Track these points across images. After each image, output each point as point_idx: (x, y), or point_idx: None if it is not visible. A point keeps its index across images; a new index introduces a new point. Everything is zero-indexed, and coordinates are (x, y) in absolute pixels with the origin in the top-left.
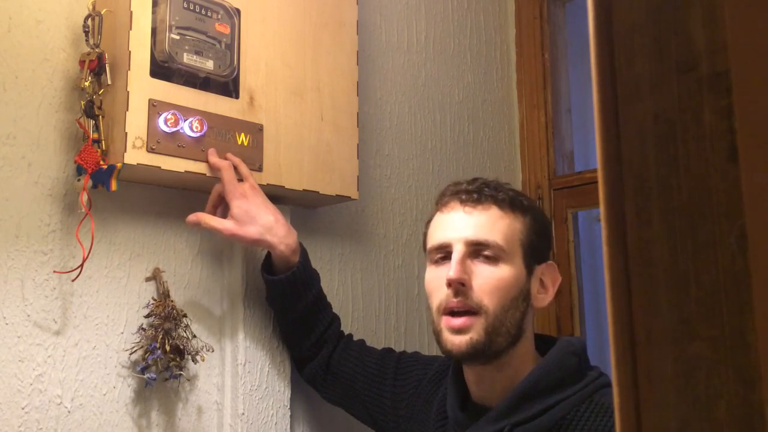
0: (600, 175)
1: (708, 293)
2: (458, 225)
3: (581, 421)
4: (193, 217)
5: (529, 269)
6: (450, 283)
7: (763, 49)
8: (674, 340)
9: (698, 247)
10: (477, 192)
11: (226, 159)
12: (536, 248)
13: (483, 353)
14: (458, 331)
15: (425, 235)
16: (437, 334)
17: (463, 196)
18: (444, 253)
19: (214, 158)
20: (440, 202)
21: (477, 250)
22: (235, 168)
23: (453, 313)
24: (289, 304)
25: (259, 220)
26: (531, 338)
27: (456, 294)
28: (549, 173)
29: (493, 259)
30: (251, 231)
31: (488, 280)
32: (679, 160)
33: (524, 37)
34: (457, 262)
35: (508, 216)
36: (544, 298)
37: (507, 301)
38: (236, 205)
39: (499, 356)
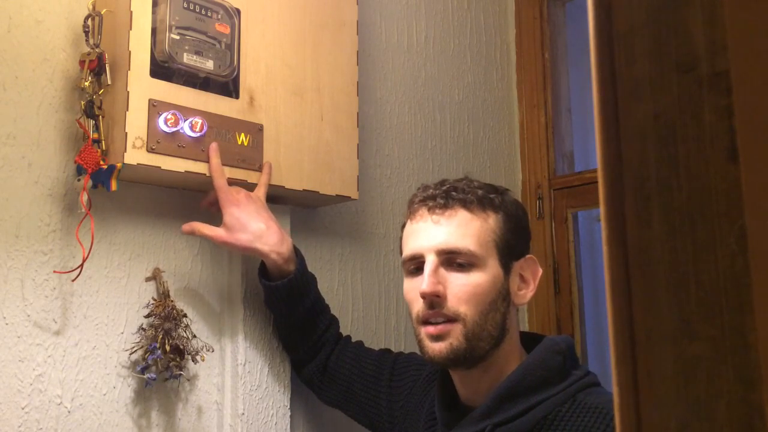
0: (600, 175)
1: (708, 293)
2: (428, 234)
3: (563, 421)
4: (187, 227)
5: (506, 268)
6: (424, 296)
7: (763, 49)
8: (674, 340)
9: (698, 247)
10: (444, 197)
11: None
12: (512, 245)
13: (465, 359)
14: (437, 337)
15: (400, 240)
16: (419, 343)
17: (430, 203)
18: (417, 263)
19: (215, 159)
20: (410, 210)
21: (449, 258)
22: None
23: (430, 322)
24: (286, 309)
25: (249, 228)
26: (515, 336)
27: (431, 306)
28: (549, 173)
29: (466, 267)
30: (242, 238)
31: (463, 288)
32: (679, 160)
33: (524, 37)
34: (429, 274)
35: (479, 217)
36: (524, 294)
37: (485, 305)
38: (228, 213)
39: (484, 359)
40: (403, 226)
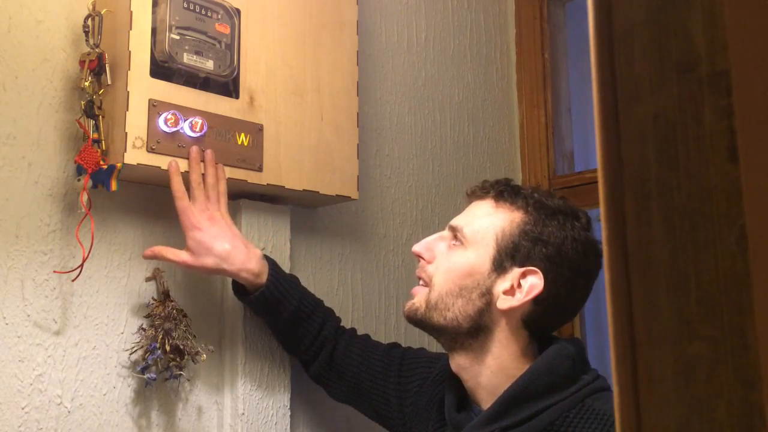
0: (600, 175)
1: (708, 293)
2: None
3: (570, 427)
4: (149, 252)
5: (499, 267)
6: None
7: (763, 49)
8: (674, 340)
9: (698, 247)
10: (487, 187)
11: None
12: (519, 249)
13: (422, 322)
14: (411, 296)
15: None
16: None
17: (470, 191)
18: None
19: (176, 178)
20: None
21: (453, 235)
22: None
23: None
24: (269, 317)
25: (213, 251)
26: (513, 339)
27: (418, 264)
28: (549, 173)
29: (457, 245)
30: (207, 261)
31: (442, 261)
32: (679, 160)
33: (524, 37)
34: (426, 240)
35: (498, 210)
36: (507, 300)
37: (455, 286)
38: (190, 237)
39: (453, 339)
40: None
